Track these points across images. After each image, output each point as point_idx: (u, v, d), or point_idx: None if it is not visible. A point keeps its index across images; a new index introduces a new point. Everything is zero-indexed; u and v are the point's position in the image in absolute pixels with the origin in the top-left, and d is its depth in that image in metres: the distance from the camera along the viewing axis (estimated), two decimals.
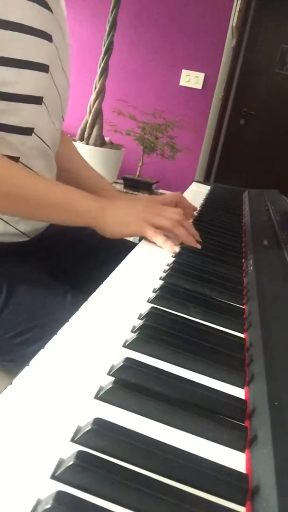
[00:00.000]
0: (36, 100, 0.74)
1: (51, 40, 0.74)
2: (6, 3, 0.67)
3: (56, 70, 0.79)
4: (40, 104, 0.75)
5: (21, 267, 0.79)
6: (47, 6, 0.73)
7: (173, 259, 0.68)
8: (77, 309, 0.47)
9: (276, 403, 0.34)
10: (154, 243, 0.73)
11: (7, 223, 0.78)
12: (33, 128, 0.75)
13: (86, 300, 0.50)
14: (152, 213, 0.75)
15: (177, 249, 0.71)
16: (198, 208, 1.08)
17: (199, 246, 0.75)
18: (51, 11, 0.74)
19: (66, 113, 0.90)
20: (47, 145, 0.81)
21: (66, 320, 0.44)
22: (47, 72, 0.75)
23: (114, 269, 0.60)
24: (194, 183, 1.48)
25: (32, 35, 0.70)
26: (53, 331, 0.41)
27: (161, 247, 0.72)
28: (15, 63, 0.69)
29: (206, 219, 0.96)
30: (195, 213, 1.00)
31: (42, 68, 0.73)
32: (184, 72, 2.85)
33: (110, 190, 0.98)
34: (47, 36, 0.73)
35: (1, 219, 0.78)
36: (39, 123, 0.76)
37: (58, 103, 0.83)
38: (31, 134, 0.75)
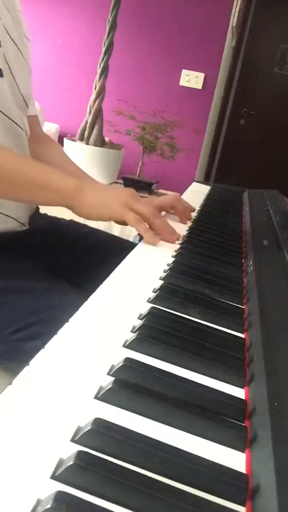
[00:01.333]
0: None
1: None
2: None
3: (10, 49, 0.78)
4: (2, 76, 0.73)
5: (21, 264, 0.79)
6: None
7: (173, 259, 0.68)
8: (76, 306, 0.47)
9: (276, 403, 0.34)
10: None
11: None
12: None
13: (86, 297, 0.50)
14: (134, 199, 0.73)
15: (157, 240, 0.71)
16: (198, 208, 1.08)
17: (172, 240, 0.74)
18: None
19: (31, 102, 0.88)
20: (12, 120, 0.78)
21: (65, 316, 0.44)
22: (1, 46, 0.73)
23: (114, 269, 0.60)
24: (194, 183, 1.48)
25: None
26: (53, 327, 0.41)
27: (140, 234, 0.71)
28: None
29: (206, 219, 0.96)
30: (195, 212, 1.00)
31: None
32: (184, 72, 2.86)
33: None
34: None
35: None
36: (2, 97, 0.74)
37: (14, 87, 0.81)
38: None
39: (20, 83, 0.83)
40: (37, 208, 0.94)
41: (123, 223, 0.73)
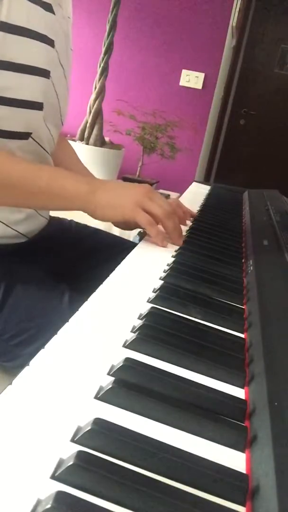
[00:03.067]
0: (37, 106, 0.73)
1: (53, 45, 0.74)
2: (12, 6, 0.66)
3: (58, 76, 0.79)
4: (41, 110, 0.74)
5: (19, 268, 0.79)
6: (50, 9, 0.73)
7: (173, 259, 0.68)
8: (74, 310, 0.47)
9: (276, 403, 0.34)
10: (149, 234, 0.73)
11: (7, 225, 0.78)
12: (30, 133, 0.75)
13: (84, 300, 0.50)
14: (147, 197, 0.71)
15: (166, 243, 0.71)
16: (198, 208, 1.08)
17: (180, 243, 0.74)
18: (54, 13, 0.74)
19: (65, 119, 0.90)
20: (44, 149, 0.80)
21: (62, 321, 0.44)
22: (48, 78, 0.74)
23: (114, 269, 0.60)
24: (194, 183, 1.48)
25: (35, 40, 0.70)
26: (50, 332, 0.41)
27: (151, 237, 0.72)
28: (17, 68, 0.68)
29: (206, 219, 0.96)
30: (195, 212, 1.00)
31: (43, 73, 0.73)
32: (184, 72, 2.85)
33: None
34: (49, 41, 0.73)
35: (1, 221, 0.77)
36: (37, 128, 0.76)
37: (57, 110, 0.82)
38: (27, 139, 0.75)
39: (62, 105, 0.84)
40: (48, 222, 0.93)
41: (134, 226, 0.73)
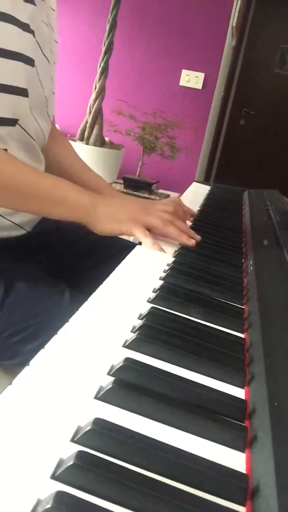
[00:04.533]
0: (22, 92, 0.73)
1: (34, 35, 0.74)
2: None
3: (42, 67, 0.79)
4: (27, 96, 0.74)
5: (20, 265, 0.79)
6: (31, 1, 0.73)
7: (173, 259, 0.68)
8: (74, 308, 0.47)
9: (276, 403, 0.34)
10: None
11: (2, 216, 0.78)
12: (17, 120, 0.75)
13: (84, 299, 0.50)
14: (144, 213, 0.75)
15: (162, 249, 0.72)
16: (198, 208, 1.08)
17: (192, 243, 0.74)
18: (35, 5, 0.74)
19: (53, 114, 0.90)
20: (31, 137, 0.80)
21: (63, 318, 0.44)
22: (33, 66, 0.74)
23: (114, 269, 0.60)
24: (194, 183, 1.48)
25: (19, 27, 0.70)
26: (50, 330, 0.41)
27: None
28: (2, 53, 0.68)
29: (206, 219, 0.96)
30: (195, 211, 1.00)
31: (28, 61, 0.73)
32: (184, 72, 2.85)
33: (107, 189, 0.97)
34: (31, 31, 0.73)
35: None
36: (23, 115, 0.76)
37: (43, 102, 0.82)
38: (14, 125, 0.75)
39: (49, 98, 0.84)
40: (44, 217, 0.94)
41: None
